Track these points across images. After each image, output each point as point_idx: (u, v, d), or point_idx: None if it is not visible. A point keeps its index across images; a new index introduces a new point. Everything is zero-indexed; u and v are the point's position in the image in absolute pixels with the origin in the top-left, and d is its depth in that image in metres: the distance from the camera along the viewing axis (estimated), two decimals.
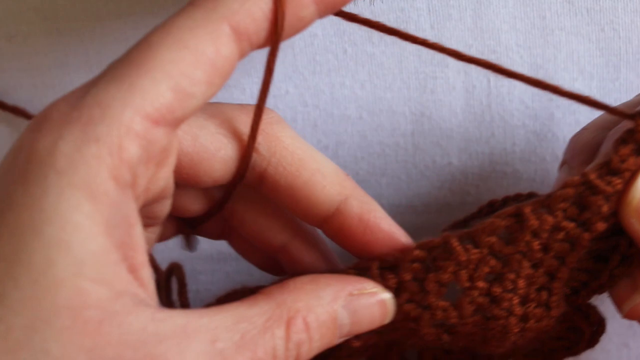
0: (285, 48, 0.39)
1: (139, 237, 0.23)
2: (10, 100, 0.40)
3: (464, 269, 0.27)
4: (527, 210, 0.27)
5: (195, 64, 0.23)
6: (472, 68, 0.38)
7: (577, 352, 0.33)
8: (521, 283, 0.28)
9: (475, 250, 0.27)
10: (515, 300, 0.28)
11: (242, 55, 0.24)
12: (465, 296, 0.28)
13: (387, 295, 0.28)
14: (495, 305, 0.28)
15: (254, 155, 0.28)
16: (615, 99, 0.38)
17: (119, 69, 0.23)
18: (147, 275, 0.23)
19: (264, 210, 0.30)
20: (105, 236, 0.21)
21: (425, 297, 0.28)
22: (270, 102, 0.40)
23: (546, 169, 0.40)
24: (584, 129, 0.32)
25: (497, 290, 0.28)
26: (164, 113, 0.23)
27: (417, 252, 0.28)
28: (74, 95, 0.23)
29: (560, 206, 0.27)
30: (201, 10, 0.24)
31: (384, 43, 0.38)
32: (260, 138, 0.28)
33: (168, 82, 0.23)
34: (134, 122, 0.22)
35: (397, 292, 0.28)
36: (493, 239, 0.27)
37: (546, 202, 0.27)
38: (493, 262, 0.27)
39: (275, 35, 0.25)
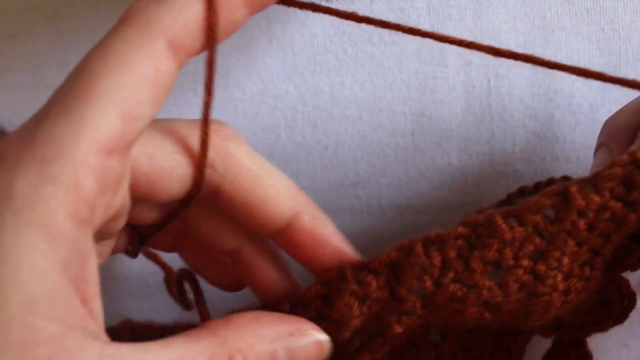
0: (285, 48, 0.39)
1: (92, 269, 0.23)
2: (10, 100, 0.40)
3: (508, 247, 0.27)
4: (574, 189, 0.26)
5: (137, 87, 0.23)
6: (472, 68, 0.38)
7: (604, 328, 0.33)
8: (565, 261, 0.28)
9: (520, 229, 0.27)
10: (559, 277, 0.28)
11: (181, 66, 0.25)
12: (510, 275, 0.27)
13: (323, 337, 0.28)
14: (540, 282, 0.28)
15: (210, 171, 0.28)
16: (615, 99, 0.38)
17: (65, 101, 0.23)
18: (98, 307, 0.23)
19: (218, 214, 0.31)
20: (61, 273, 0.22)
21: (471, 276, 0.27)
22: (270, 102, 0.40)
23: (546, 169, 0.40)
24: (618, 112, 0.32)
25: (541, 268, 0.27)
26: (116, 141, 0.23)
27: (460, 229, 0.27)
28: (24, 131, 0.23)
29: (608, 185, 0.26)
30: (135, 30, 0.24)
31: (384, 43, 0.38)
32: (215, 155, 0.28)
33: (115, 110, 0.23)
34: (89, 156, 0.22)
35: (442, 271, 0.27)
36: (538, 217, 0.27)
37: (593, 181, 0.26)
38: (538, 240, 0.27)
39: (211, 44, 0.25)
